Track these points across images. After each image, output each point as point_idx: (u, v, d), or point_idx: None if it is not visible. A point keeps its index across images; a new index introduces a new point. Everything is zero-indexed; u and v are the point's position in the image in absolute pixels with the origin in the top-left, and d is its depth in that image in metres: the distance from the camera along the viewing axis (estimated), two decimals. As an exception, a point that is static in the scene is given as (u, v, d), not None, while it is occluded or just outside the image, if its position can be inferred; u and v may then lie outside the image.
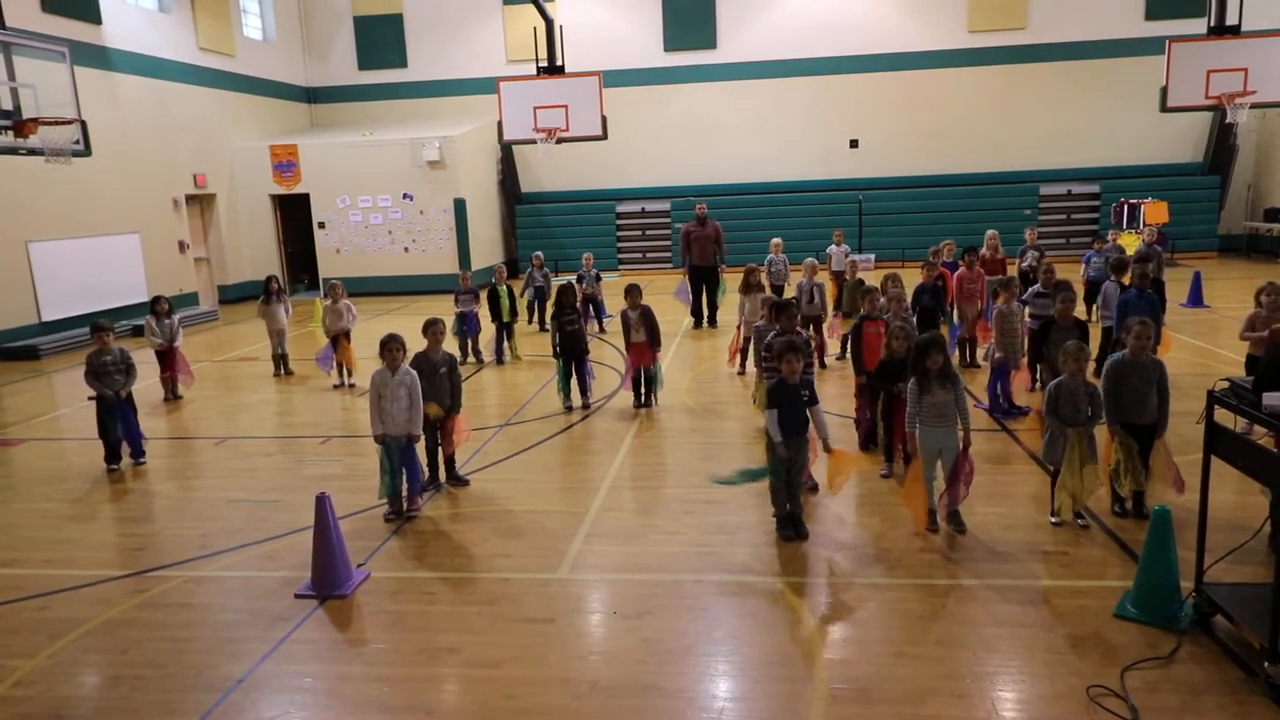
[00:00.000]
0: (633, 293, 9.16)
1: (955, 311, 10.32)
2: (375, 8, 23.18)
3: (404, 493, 6.44)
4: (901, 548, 5.55)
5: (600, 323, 14.09)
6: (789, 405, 5.58)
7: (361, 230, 20.38)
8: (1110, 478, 5.75)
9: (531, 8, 16.06)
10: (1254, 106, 14.70)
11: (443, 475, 7.10)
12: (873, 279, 10.64)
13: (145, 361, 11.20)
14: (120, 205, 16.40)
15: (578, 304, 9.59)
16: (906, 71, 21.96)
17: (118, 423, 7.87)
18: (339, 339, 10.77)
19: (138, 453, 8.04)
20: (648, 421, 8.82)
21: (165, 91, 17.95)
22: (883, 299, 7.87)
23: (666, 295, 15.81)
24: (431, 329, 6.82)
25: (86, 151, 12.51)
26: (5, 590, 5.49)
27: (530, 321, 14.40)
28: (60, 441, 9.09)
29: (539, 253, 14.96)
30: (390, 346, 6.29)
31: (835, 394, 9.25)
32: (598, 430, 8.64)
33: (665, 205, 22.86)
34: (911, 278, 10.47)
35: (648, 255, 23.13)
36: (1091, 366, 6.59)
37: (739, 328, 10.53)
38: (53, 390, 11.75)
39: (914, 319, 8.52)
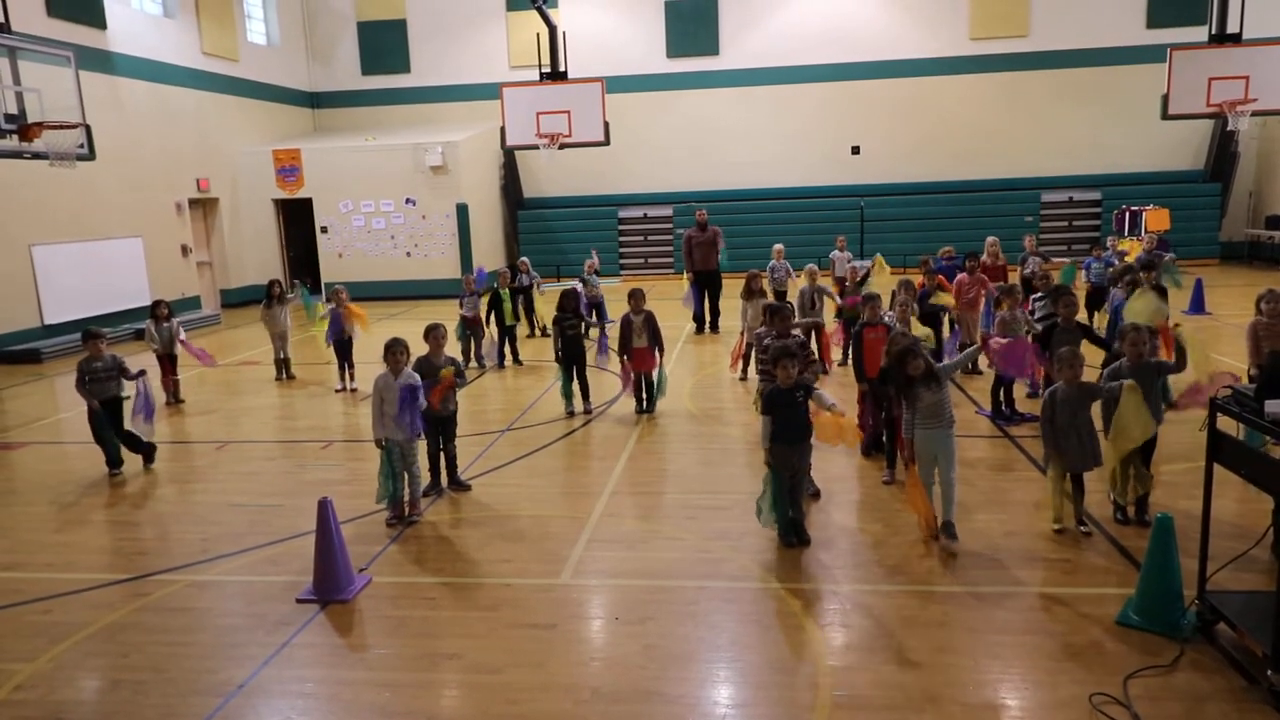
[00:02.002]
0: (636, 297, 9.15)
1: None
2: (379, 13, 23.25)
3: (405, 498, 6.45)
4: (903, 554, 5.55)
5: (602, 328, 14.06)
6: (786, 411, 5.56)
7: (364, 235, 20.41)
8: (1110, 485, 5.77)
9: (535, 14, 16.10)
10: (1255, 114, 14.72)
11: (444, 480, 7.10)
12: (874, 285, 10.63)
13: (147, 365, 11.24)
14: (123, 209, 16.43)
15: (580, 308, 9.59)
16: (908, 78, 21.99)
17: (112, 430, 7.84)
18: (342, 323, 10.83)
19: (146, 454, 8.02)
20: (649, 427, 8.81)
21: (169, 96, 18.01)
22: (884, 307, 7.88)
23: (668, 300, 15.83)
24: (433, 333, 6.88)
25: (90, 155, 12.53)
26: (6, 594, 5.49)
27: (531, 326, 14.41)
28: (62, 445, 9.10)
29: (524, 258, 14.80)
30: (394, 350, 6.31)
31: (837, 401, 9.22)
32: (600, 435, 8.64)
33: (668, 211, 22.89)
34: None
35: (650, 261, 23.16)
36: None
37: (742, 334, 10.53)
38: (55, 394, 11.75)
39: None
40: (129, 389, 8.06)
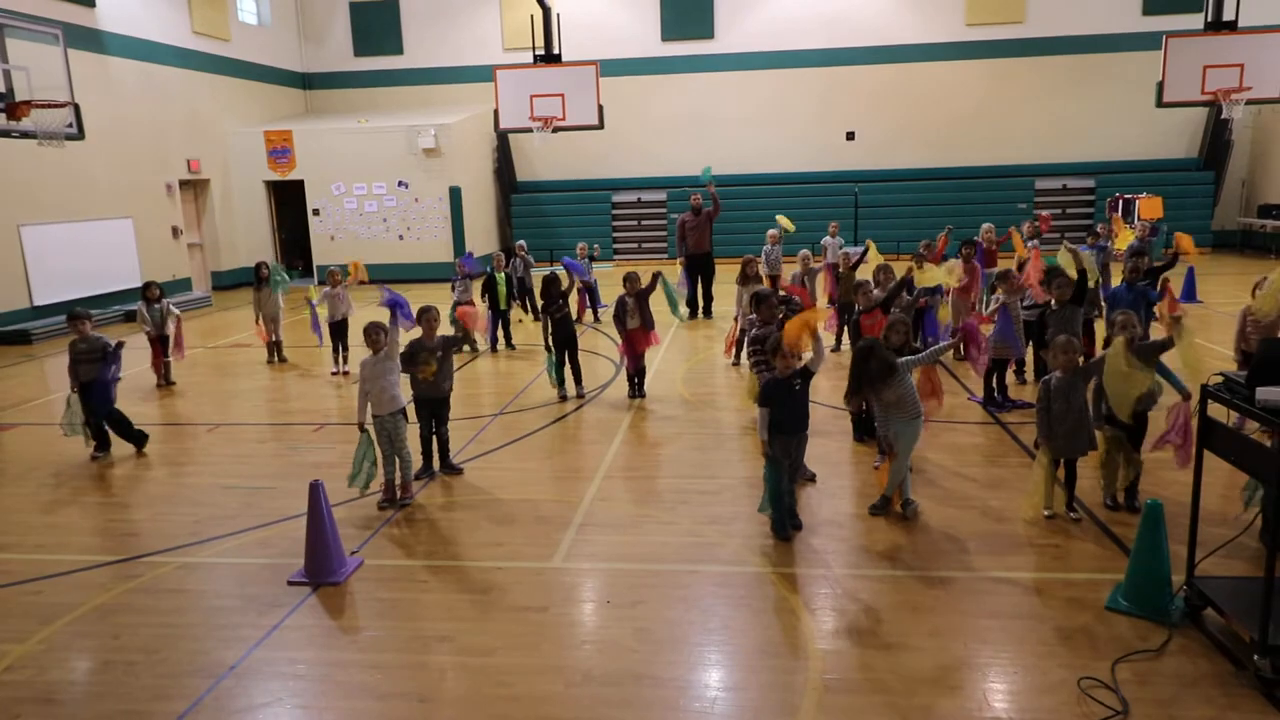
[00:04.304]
0: (631, 280, 9.15)
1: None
2: (371, -7, 23.06)
3: (397, 480, 6.45)
4: (894, 539, 5.57)
5: (595, 312, 14.08)
6: (785, 402, 5.54)
7: (356, 217, 20.30)
8: (1101, 471, 5.79)
9: (529, -5, 15.99)
10: (1249, 102, 14.73)
11: (436, 463, 7.10)
12: (866, 272, 10.62)
13: (139, 347, 11.20)
14: (113, 190, 16.30)
15: (566, 289, 9.56)
16: (903, 64, 21.92)
17: (93, 414, 7.75)
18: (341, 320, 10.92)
19: (136, 441, 7.95)
20: (642, 412, 8.82)
21: (159, 76, 17.83)
22: (876, 291, 7.90)
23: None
24: (425, 316, 6.86)
25: (80, 135, 12.42)
26: (-4, 575, 5.47)
27: (525, 309, 14.37)
28: (52, 426, 9.01)
29: (521, 241, 14.71)
30: (372, 334, 6.37)
31: (830, 386, 9.25)
32: (592, 420, 8.63)
33: (661, 195, 22.82)
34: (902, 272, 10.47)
35: (643, 245, 23.10)
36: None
37: (736, 319, 10.53)
38: (44, 375, 11.69)
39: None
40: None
